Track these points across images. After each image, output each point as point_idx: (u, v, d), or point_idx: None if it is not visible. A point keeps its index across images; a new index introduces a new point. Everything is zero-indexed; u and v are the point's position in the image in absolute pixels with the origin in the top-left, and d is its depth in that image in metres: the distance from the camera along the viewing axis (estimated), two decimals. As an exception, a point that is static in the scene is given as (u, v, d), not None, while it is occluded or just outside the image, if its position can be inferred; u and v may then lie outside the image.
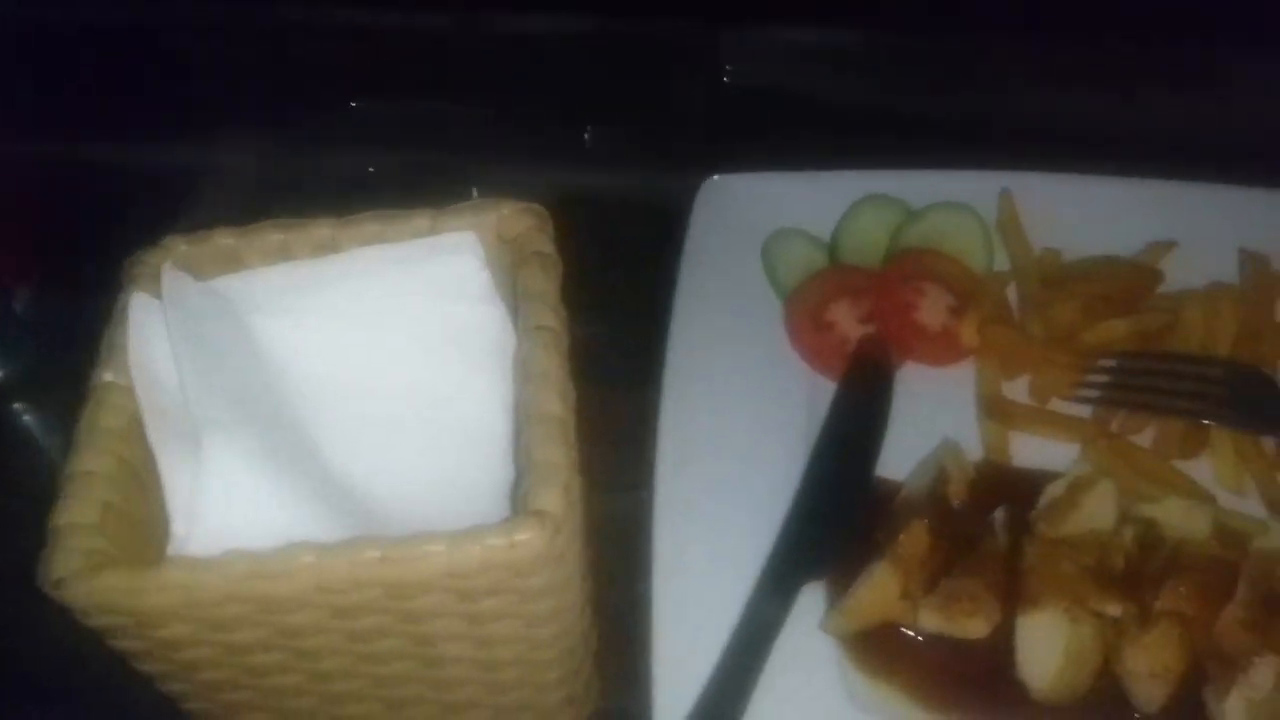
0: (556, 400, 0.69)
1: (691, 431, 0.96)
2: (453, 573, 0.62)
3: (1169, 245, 1.11)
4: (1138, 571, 0.86)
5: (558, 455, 0.66)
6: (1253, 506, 0.95)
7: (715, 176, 1.16)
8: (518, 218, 0.80)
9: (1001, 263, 1.12)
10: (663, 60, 1.32)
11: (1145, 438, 1.00)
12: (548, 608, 0.68)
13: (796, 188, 1.16)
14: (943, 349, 1.06)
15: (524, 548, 0.62)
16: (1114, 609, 0.83)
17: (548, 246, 0.79)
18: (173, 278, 0.73)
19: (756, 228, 1.13)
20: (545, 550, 0.63)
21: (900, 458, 0.97)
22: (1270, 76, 1.26)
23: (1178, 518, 0.88)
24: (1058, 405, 1.02)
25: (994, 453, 0.99)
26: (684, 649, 0.82)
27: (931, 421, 1.00)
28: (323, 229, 0.80)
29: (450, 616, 0.66)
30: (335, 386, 0.77)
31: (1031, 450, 0.99)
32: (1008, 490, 0.95)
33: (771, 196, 1.15)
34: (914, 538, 0.87)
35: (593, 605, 0.87)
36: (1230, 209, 1.13)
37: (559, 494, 0.64)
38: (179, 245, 0.79)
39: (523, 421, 0.69)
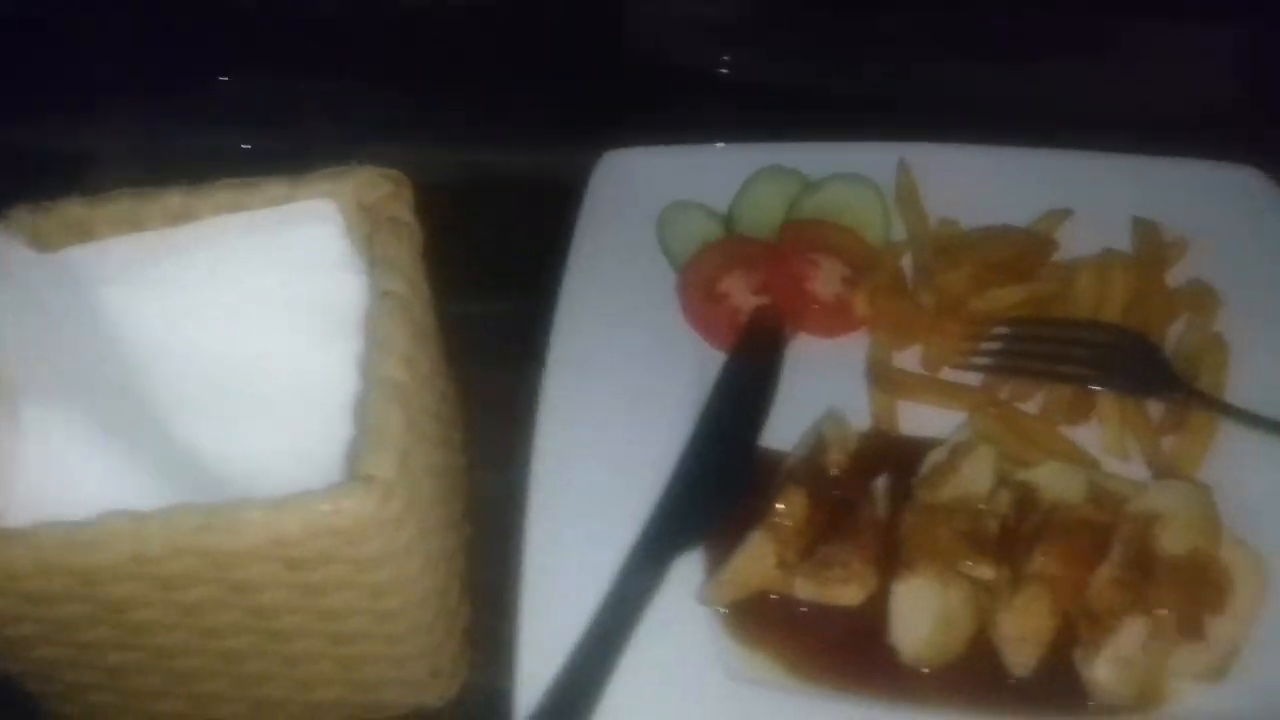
0: (398, 365, 0.68)
1: (574, 406, 0.95)
2: (277, 540, 0.61)
3: (1064, 214, 1.11)
4: (1012, 536, 0.85)
5: (393, 420, 0.65)
6: (1139, 471, 0.95)
7: (612, 151, 1.15)
8: (375, 184, 0.79)
9: (900, 233, 1.12)
10: (562, 33, 1.30)
11: (1035, 405, 0.99)
12: (388, 577, 0.67)
13: (694, 161, 1.15)
14: (836, 320, 1.05)
15: (350, 513, 0.61)
16: (986, 573, 0.83)
17: (404, 213, 0.77)
18: (5, 247, 0.71)
19: (654, 201, 1.12)
20: (375, 516, 0.62)
21: (791, 428, 0.97)
22: (1162, 45, 1.26)
23: (1053, 481, 0.88)
24: (951, 374, 1.02)
25: (882, 422, 0.98)
26: (551, 622, 0.80)
27: (823, 392, 0.99)
28: (175, 198, 0.78)
29: (283, 588, 0.65)
30: (184, 357, 0.75)
31: (924, 420, 0.99)
32: (894, 458, 0.94)
33: (668, 170, 1.14)
34: (790, 505, 0.86)
35: (462, 579, 0.86)
36: (1124, 178, 1.13)
37: (391, 459, 0.63)
38: (25, 216, 0.77)
39: (363, 387, 0.67)
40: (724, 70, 1.29)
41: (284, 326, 0.76)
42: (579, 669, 0.77)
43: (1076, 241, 1.09)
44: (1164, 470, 0.94)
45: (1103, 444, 0.96)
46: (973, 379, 1.01)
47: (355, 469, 0.62)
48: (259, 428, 0.74)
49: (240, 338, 0.76)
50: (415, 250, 0.77)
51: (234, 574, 0.63)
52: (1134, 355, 0.98)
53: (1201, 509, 0.85)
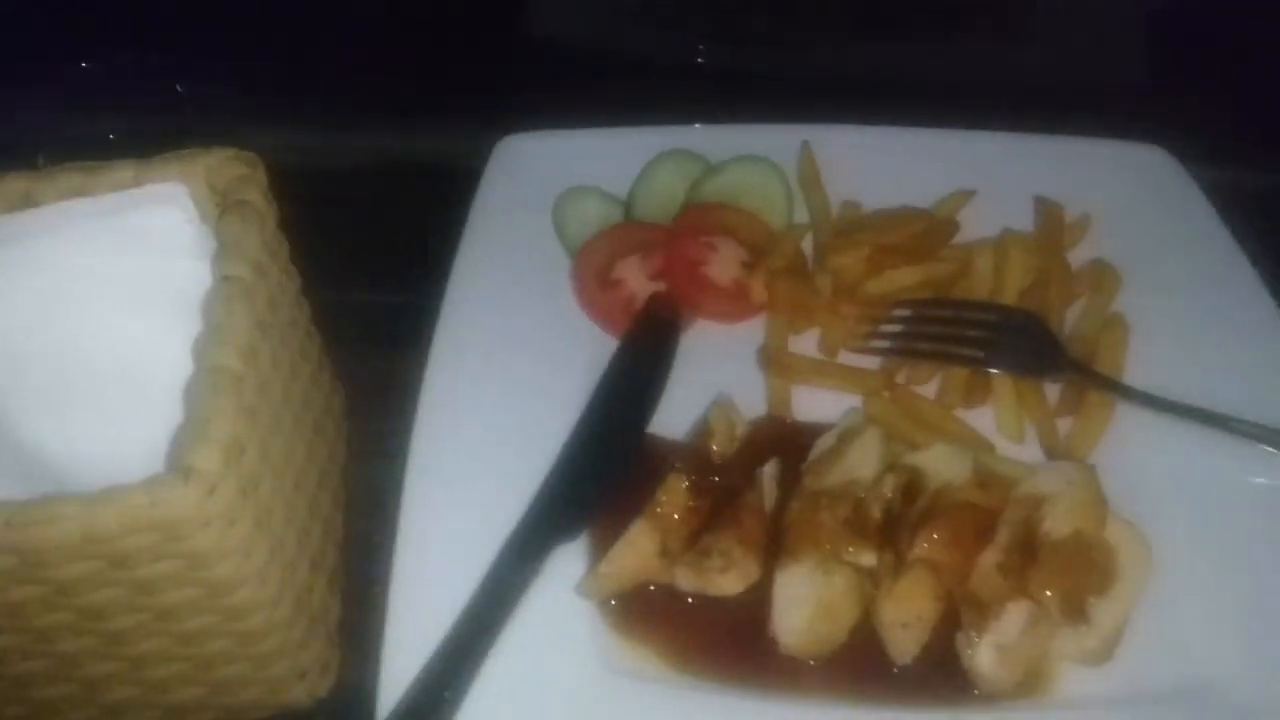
0: (232, 353, 0.65)
1: (457, 394, 0.92)
2: (92, 537, 0.58)
3: (968, 195, 1.09)
4: (897, 521, 0.83)
5: (221, 409, 0.62)
6: (1035, 454, 0.94)
7: (511, 135, 1.12)
8: (227, 167, 0.76)
9: (804, 216, 1.10)
10: (460, 15, 1.27)
11: (932, 388, 0.98)
12: (228, 575, 0.64)
13: (593, 145, 1.13)
14: (734, 305, 1.03)
15: (169, 507, 0.58)
16: (868, 559, 0.81)
17: (253, 195, 0.74)
18: None
19: (552, 187, 1.09)
20: (197, 510, 0.59)
21: (687, 416, 0.95)
22: (1068, 25, 1.25)
23: (940, 465, 0.86)
24: (852, 358, 1.00)
25: (777, 407, 0.96)
26: (421, 617, 0.78)
27: (720, 378, 0.97)
28: (17, 183, 0.75)
29: (113, 587, 0.62)
30: (22, 344, 0.72)
31: (823, 405, 0.97)
32: (787, 444, 0.92)
33: (567, 155, 1.11)
34: (671, 494, 0.84)
35: (332, 576, 0.84)
36: (1029, 157, 1.12)
37: (215, 450, 0.60)
38: None
39: (194, 375, 0.65)
40: (628, 51, 1.27)
41: (127, 313, 0.73)
42: (444, 665, 0.74)
43: (982, 222, 1.08)
44: (1059, 452, 0.92)
45: (998, 426, 0.94)
46: (872, 362, 1.00)
47: (177, 461, 0.59)
48: (98, 417, 0.71)
49: (82, 324, 0.73)
50: (266, 234, 0.74)
51: (54, 573, 0.60)
52: (1027, 337, 0.96)
53: (1087, 491, 0.84)
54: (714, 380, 0.96)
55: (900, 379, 0.98)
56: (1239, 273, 1.01)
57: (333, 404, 0.89)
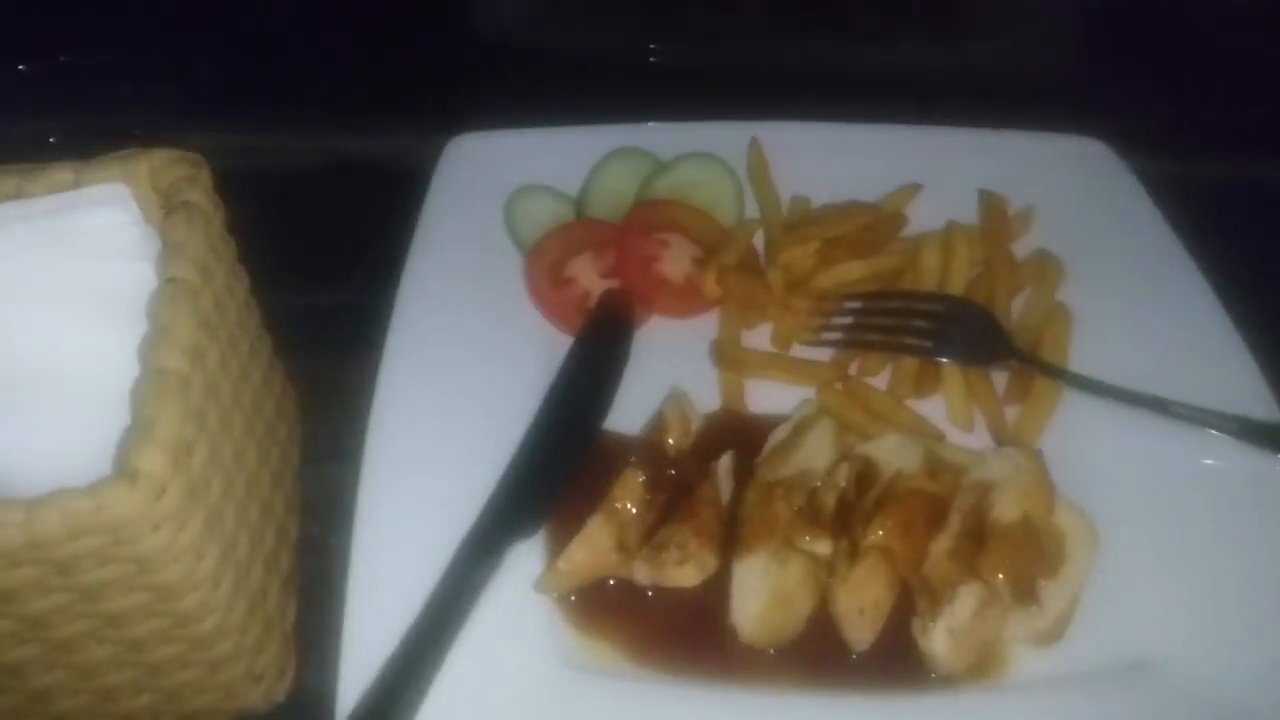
0: (177, 355, 0.64)
1: (411, 394, 0.92)
2: (37, 542, 0.57)
3: (915, 189, 1.11)
4: (851, 510, 0.84)
5: (167, 411, 0.61)
6: (985, 441, 0.95)
7: (461, 134, 1.12)
8: (170, 167, 0.75)
9: (754, 212, 1.11)
10: (411, 14, 1.26)
11: (885, 379, 0.99)
12: (179, 578, 0.63)
13: (544, 144, 1.13)
14: (687, 300, 1.03)
15: (116, 510, 0.57)
16: (823, 547, 0.82)
17: (198, 196, 0.74)
18: None
19: (504, 186, 1.09)
20: (145, 513, 0.58)
21: (643, 411, 0.95)
22: (1011, 19, 1.27)
23: (893, 454, 0.87)
24: (805, 351, 1.01)
25: (731, 401, 0.97)
26: (379, 617, 0.77)
27: (675, 373, 0.98)
28: (-47, 187, 0.73)
29: (59, 593, 0.61)
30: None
31: (778, 398, 0.98)
32: (742, 437, 0.93)
33: (518, 154, 1.11)
34: (626, 489, 0.84)
35: (286, 578, 0.83)
36: (974, 151, 1.14)
37: (161, 452, 0.59)
38: None
39: (139, 378, 0.64)
40: (579, 50, 1.27)
41: (70, 315, 0.71)
42: (403, 665, 0.74)
43: (930, 216, 1.10)
44: (1007, 439, 0.94)
45: (948, 415, 0.96)
46: (825, 355, 1.01)
47: (123, 464, 0.59)
48: (42, 422, 0.69)
49: (24, 327, 0.71)
50: (212, 236, 0.73)
51: (-3, 581, 0.59)
52: (973, 327, 0.98)
53: (1033, 476, 0.85)
54: (669, 376, 0.97)
55: (852, 371, 0.99)
56: (1176, 261, 1.04)
57: (284, 406, 0.88)
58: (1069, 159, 1.13)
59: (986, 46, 1.31)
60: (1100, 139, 1.14)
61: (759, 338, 1.02)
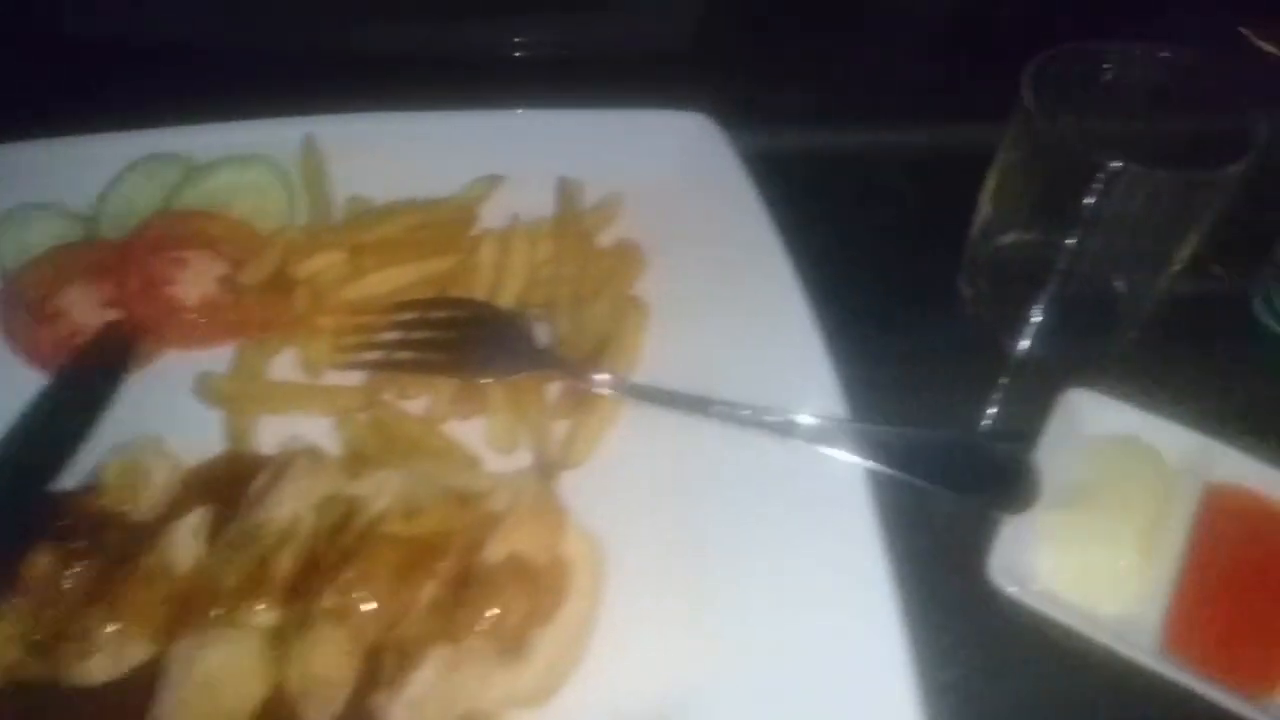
0: None
1: None
2: None
3: (495, 180, 0.98)
4: (315, 567, 0.71)
5: None
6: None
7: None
8: None
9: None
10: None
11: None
12: None
13: (55, 155, 0.97)
14: (206, 328, 0.89)
15: None
16: (266, 617, 0.69)
17: None
18: None
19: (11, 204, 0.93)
20: None
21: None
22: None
23: (380, 492, 0.74)
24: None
25: (237, 442, 0.83)
26: None
27: (176, 415, 0.84)
28: None
29: None
30: None
31: (309, 433, 0.84)
32: (244, 485, 0.79)
33: (24, 167, 0.96)
34: (33, 568, 0.69)
35: None
36: (565, 134, 1.02)
37: None
38: None
39: None
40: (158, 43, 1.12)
41: None
42: None
43: (524, 209, 0.97)
44: (553, 461, 0.82)
45: (487, 437, 0.84)
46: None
47: None
48: None
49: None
50: None
51: None
52: (510, 337, 0.86)
53: (535, 506, 0.73)
54: (167, 417, 0.83)
55: (389, 395, 0.86)
56: (765, 251, 0.93)
57: None
58: (666, 135, 1.02)
59: (601, 20, 1.19)
60: (708, 113, 1.03)
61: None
